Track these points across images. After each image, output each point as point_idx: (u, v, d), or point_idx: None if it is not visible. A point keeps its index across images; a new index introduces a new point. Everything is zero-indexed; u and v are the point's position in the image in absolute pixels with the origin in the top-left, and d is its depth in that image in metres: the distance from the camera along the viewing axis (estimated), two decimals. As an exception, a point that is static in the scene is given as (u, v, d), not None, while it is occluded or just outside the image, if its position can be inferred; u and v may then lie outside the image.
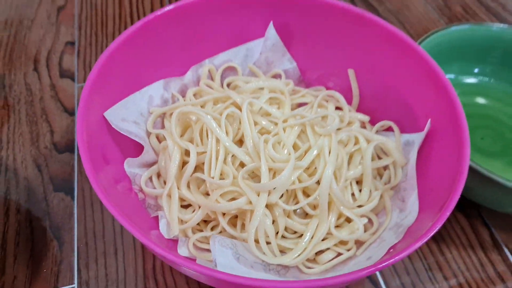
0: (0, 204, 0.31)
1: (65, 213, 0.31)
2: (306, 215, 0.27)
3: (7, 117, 0.36)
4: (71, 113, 0.37)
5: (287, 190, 0.26)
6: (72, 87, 0.38)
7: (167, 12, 0.28)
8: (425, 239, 0.19)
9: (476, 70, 0.36)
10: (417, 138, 0.27)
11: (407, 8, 0.49)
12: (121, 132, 0.26)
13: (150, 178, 0.29)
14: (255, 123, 0.28)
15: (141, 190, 0.28)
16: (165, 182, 0.28)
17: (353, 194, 0.28)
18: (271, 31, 0.32)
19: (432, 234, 0.19)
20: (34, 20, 0.44)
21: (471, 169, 0.27)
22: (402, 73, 0.29)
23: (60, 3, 0.46)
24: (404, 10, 0.48)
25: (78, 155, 0.34)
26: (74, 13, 0.45)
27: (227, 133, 0.27)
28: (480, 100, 0.36)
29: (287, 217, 0.26)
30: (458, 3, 0.50)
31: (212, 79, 0.33)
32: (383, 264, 0.19)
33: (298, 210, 0.27)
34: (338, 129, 0.29)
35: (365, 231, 0.26)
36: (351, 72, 0.32)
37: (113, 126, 0.26)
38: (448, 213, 0.20)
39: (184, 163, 0.28)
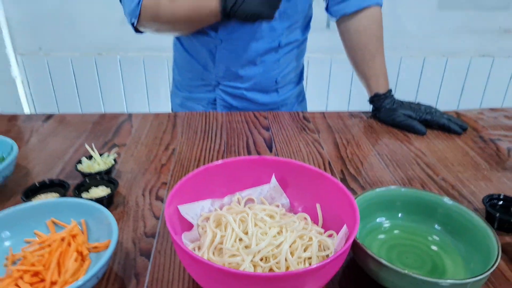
0: (111, 261, 0.54)
1: (143, 268, 0.53)
2: (275, 275, 0.47)
3: (122, 217, 0.62)
4: (157, 218, 0.62)
5: (266, 257, 0.47)
6: (161, 206, 0.65)
7: (217, 165, 0.56)
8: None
9: (400, 215, 0.56)
10: (342, 235, 0.48)
11: (380, 181, 0.72)
12: (185, 218, 0.51)
13: (194, 248, 0.51)
14: (255, 224, 0.51)
15: (188, 251, 0.50)
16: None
17: (305, 269, 0.47)
18: (273, 180, 0.58)
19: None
20: (147, 170, 0.75)
21: (396, 272, 0.44)
22: (342, 207, 0.52)
23: (163, 162, 0.78)
24: (378, 182, 0.72)
25: (156, 239, 0.58)
26: (170, 168, 0.76)
27: (239, 226, 0.50)
28: (404, 235, 0.55)
29: (264, 274, 0.47)
30: (418, 181, 0.73)
31: (239, 203, 0.58)
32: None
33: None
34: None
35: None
36: (318, 206, 0.55)
37: (181, 214, 0.51)
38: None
39: (213, 242, 0.51)
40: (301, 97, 1.16)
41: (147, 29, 0.94)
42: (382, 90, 0.94)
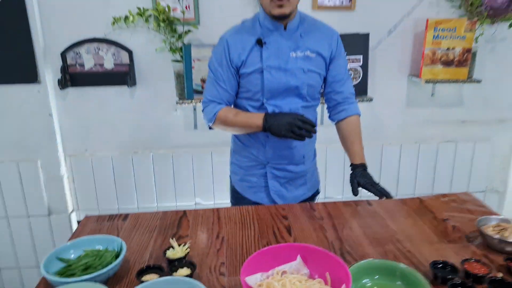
0: (202, 313, 0.89)
1: (224, 318, 0.88)
2: (306, 316, 0.82)
3: None
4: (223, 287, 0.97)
5: (299, 306, 0.82)
6: (224, 278, 1.00)
7: (264, 251, 0.93)
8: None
9: (376, 277, 0.92)
10: (342, 292, 0.84)
11: (366, 254, 1.08)
12: (250, 285, 0.86)
13: (255, 304, 0.86)
14: (291, 286, 0.87)
15: (253, 305, 0.85)
16: (260, 305, 0.86)
17: (322, 312, 0.82)
18: (298, 258, 0.94)
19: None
20: (208, 254, 1.11)
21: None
22: (341, 274, 0.87)
23: (218, 247, 1.14)
24: (365, 255, 1.08)
25: (228, 300, 0.92)
26: (223, 251, 1.12)
27: (281, 288, 0.86)
28: (381, 288, 0.91)
29: (299, 315, 0.81)
30: (392, 253, 1.09)
31: (278, 274, 0.93)
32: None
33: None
34: (320, 291, 0.86)
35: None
36: (327, 274, 0.91)
37: (247, 283, 0.86)
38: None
39: (267, 299, 0.86)
40: (315, 167, 1.69)
41: (218, 129, 1.48)
42: (355, 162, 1.48)
